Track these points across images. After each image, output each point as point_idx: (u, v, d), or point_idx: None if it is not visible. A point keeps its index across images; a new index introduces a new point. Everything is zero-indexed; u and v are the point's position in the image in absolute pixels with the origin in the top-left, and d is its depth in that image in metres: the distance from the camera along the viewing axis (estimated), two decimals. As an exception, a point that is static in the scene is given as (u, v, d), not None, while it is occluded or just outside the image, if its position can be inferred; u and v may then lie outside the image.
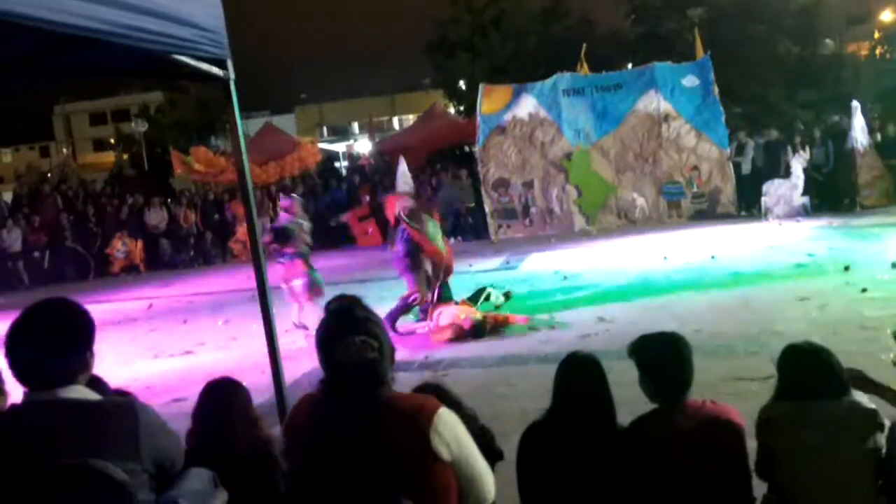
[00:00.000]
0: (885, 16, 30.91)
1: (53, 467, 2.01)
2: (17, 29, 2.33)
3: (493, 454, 3.22)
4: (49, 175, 32.64)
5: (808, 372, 3.19)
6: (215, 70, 3.28)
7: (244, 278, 15.09)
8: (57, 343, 2.27)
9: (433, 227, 9.80)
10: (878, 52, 29.54)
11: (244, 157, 3.49)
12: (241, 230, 20.03)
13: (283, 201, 10.28)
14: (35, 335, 2.26)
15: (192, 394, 3.60)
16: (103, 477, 2.00)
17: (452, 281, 10.18)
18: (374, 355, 2.37)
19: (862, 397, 3.22)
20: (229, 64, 3.34)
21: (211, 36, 3.12)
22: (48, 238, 19.93)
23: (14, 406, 2.30)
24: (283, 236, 9.61)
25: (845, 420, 3.09)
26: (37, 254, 19.68)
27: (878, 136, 17.77)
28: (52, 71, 3.67)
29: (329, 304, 2.55)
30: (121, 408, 2.25)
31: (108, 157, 49.98)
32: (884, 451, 3.05)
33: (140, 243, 20.28)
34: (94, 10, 2.47)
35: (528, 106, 18.78)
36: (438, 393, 3.08)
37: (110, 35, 2.57)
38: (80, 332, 2.34)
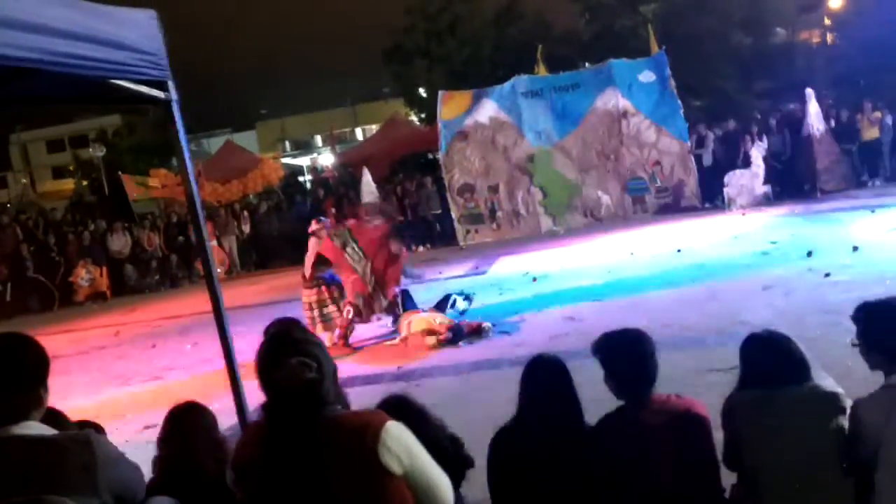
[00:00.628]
0: (834, 2, 31.36)
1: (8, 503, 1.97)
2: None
3: (462, 462, 3.21)
4: (8, 206, 32.17)
5: (769, 360, 3.22)
6: (156, 92, 3.24)
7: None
8: (7, 380, 2.22)
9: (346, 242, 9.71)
10: (829, 38, 29.97)
11: (192, 178, 3.46)
12: (208, 250, 19.86)
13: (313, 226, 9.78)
14: None
15: (162, 420, 3.56)
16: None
17: (418, 291, 10.17)
18: (313, 375, 2.32)
19: (825, 380, 3.25)
20: (171, 85, 3.30)
21: (149, 58, 3.09)
22: (9, 270, 19.62)
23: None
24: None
25: (808, 404, 3.12)
26: (-2, 286, 19.38)
27: (833, 122, 18.02)
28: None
29: (267, 328, 2.52)
30: (76, 442, 2.21)
31: (68, 184, 49.29)
32: (846, 431, 3.08)
33: (104, 270, 20.02)
34: (28, 40, 2.43)
35: (488, 110, 18.85)
36: (403, 406, 3.07)
37: (46, 64, 2.53)
38: (32, 368, 2.30)
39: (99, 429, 3.07)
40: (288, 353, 2.34)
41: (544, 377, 3.28)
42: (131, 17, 3.02)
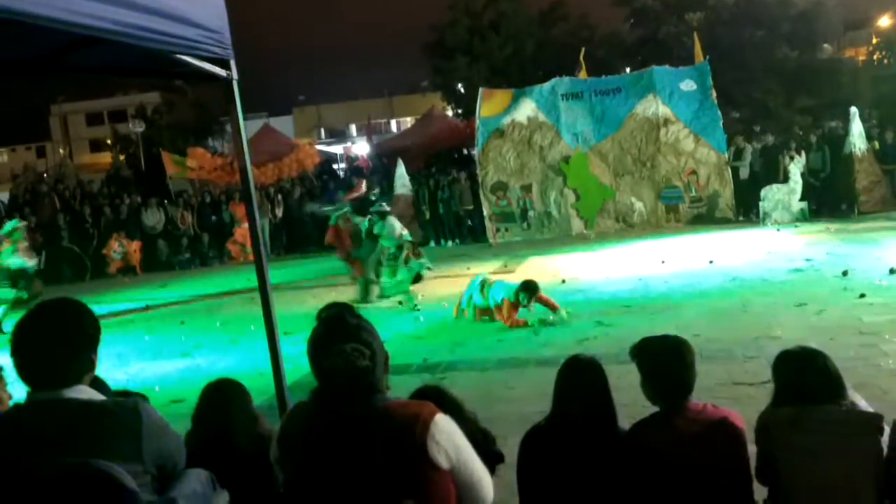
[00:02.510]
0: (883, 21, 30.97)
1: (56, 467, 2.00)
2: (28, 28, 2.33)
3: (493, 457, 3.21)
4: (45, 175, 32.59)
5: (803, 376, 3.18)
6: (218, 70, 3.28)
7: (242, 280, 15.11)
8: (63, 343, 2.26)
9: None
10: (875, 57, 29.58)
11: (247, 157, 3.49)
12: (239, 232, 20.04)
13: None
14: (41, 335, 2.25)
15: (190, 396, 3.61)
16: (107, 478, 1.98)
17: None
18: (366, 363, 2.29)
19: (859, 401, 3.22)
20: (232, 65, 3.33)
21: (215, 36, 3.12)
22: (45, 238, 19.88)
23: (18, 406, 2.29)
24: None
25: (844, 424, 3.09)
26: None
27: (877, 143, 17.76)
28: (61, 69, 3.68)
29: (320, 312, 2.51)
30: (124, 408, 2.24)
31: (105, 157, 49.84)
32: (885, 453, 3.05)
33: (137, 244, 20.24)
34: (102, 10, 2.47)
35: (526, 110, 18.82)
36: (438, 396, 3.07)
37: (117, 34, 2.57)
38: (86, 332, 2.33)
39: (143, 397, 3.12)
40: (342, 338, 2.32)
41: (582, 377, 3.27)
42: (200, -7, 3.06)
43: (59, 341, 2.24)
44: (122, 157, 40.39)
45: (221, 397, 3.50)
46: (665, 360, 3.22)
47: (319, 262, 16.85)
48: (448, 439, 2.31)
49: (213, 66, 3.24)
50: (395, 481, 2.24)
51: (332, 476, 2.28)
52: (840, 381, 3.20)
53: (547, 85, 18.97)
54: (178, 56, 2.98)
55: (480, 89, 19.99)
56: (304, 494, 2.36)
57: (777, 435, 3.16)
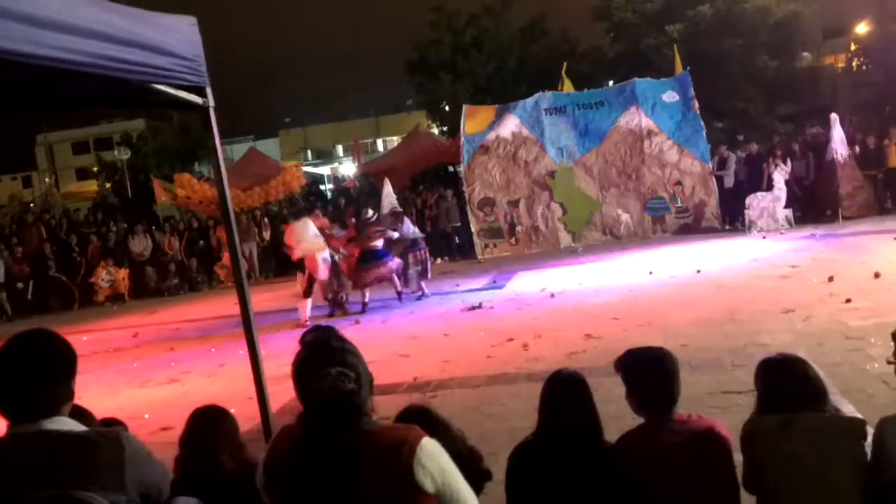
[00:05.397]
0: (861, 28, 31.26)
1: (37, 499, 1.99)
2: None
3: (480, 475, 3.22)
4: (32, 205, 32.48)
5: (785, 383, 3.20)
6: (195, 98, 3.29)
7: (230, 304, 15.04)
8: (37, 374, 2.25)
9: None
10: (854, 64, 29.85)
11: (225, 183, 3.50)
12: (226, 255, 19.98)
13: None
14: (17, 367, 2.25)
15: (179, 422, 3.58)
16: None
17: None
18: (351, 386, 2.30)
19: (845, 406, 3.24)
20: (208, 91, 3.35)
21: (190, 64, 3.14)
22: (31, 268, 19.81)
23: (-2, 440, 2.28)
24: None
25: (828, 430, 3.11)
26: (20, 284, 19.56)
27: (857, 149, 17.91)
28: (36, 102, 3.68)
29: (304, 335, 2.51)
30: (106, 439, 2.24)
31: (92, 185, 49.59)
32: (868, 458, 3.07)
33: (125, 271, 20.18)
34: (74, 43, 2.48)
35: (510, 125, 18.88)
36: (424, 417, 3.07)
37: (91, 66, 2.58)
38: (63, 362, 2.33)
39: (123, 426, 3.11)
40: (327, 362, 2.33)
41: (565, 392, 3.28)
42: (173, 23, 3.07)
43: (34, 372, 2.24)
44: (107, 185, 40.33)
45: (208, 424, 3.49)
46: (649, 372, 3.24)
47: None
48: (434, 463, 2.31)
49: (189, 94, 3.26)
50: None
51: (318, 501, 2.27)
52: (822, 387, 3.22)
53: (530, 100, 19.05)
54: (154, 86, 3.00)
55: (464, 106, 20.07)
56: None
57: (763, 442, 3.17)
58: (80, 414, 2.76)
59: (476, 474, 3.17)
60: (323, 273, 12.49)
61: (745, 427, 3.27)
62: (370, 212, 14.19)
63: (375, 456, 2.25)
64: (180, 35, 3.09)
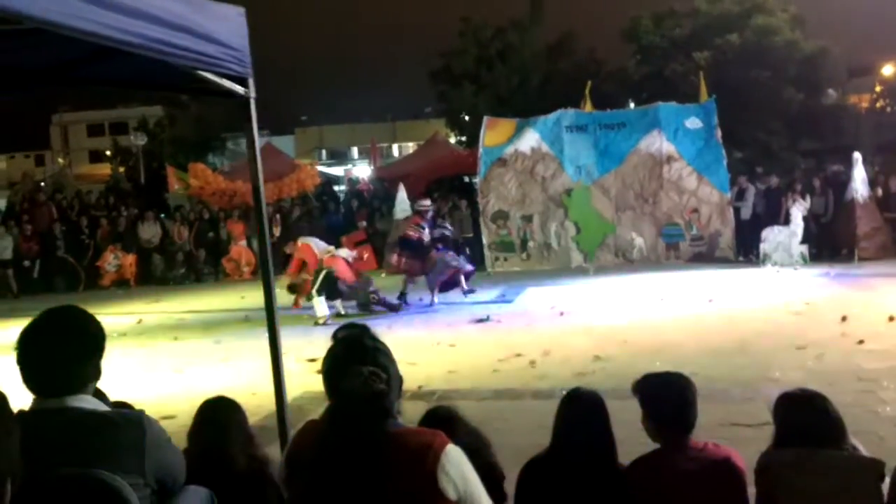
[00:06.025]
0: (887, 70, 31.24)
1: (57, 475, 1.97)
2: (55, 38, 2.35)
3: (494, 496, 3.17)
4: (43, 184, 32.57)
5: (804, 419, 3.18)
6: (237, 88, 3.31)
7: (236, 298, 15.08)
8: (67, 350, 2.25)
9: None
10: (878, 104, 29.80)
11: (260, 175, 3.51)
12: (234, 249, 20.03)
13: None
14: (45, 342, 2.24)
15: (181, 412, 3.57)
16: (108, 488, 1.96)
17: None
18: (383, 387, 2.28)
19: (860, 445, 3.21)
20: (251, 83, 3.37)
21: (235, 54, 3.16)
22: (40, 247, 19.82)
23: (22, 413, 2.26)
24: None
25: (846, 468, 3.08)
26: (27, 263, 19.58)
27: (879, 190, 17.82)
28: (83, 80, 3.72)
29: (337, 332, 2.49)
30: (129, 420, 2.23)
31: (104, 168, 49.78)
32: (884, 500, 3.03)
33: (132, 257, 20.17)
34: (129, 24, 2.51)
35: (530, 140, 18.82)
36: (450, 419, 3.04)
37: (143, 48, 2.60)
38: (92, 341, 2.32)
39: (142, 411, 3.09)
40: (359, 360, 2.32)
41: (583, 411, 3.26)
42: (222, 11, 3.09)
43: (64, 348, 2.23)
44: (121, 169, 40.43)
45: (218, 415, 3.48)
46: (667, 397, 3.22)
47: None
48: (457, 470, 2.30)
49: (233, 84, 3.27)
50: None
51: (340, 499, 2.26)
52: (841, 425, 3.20)
53: (551, 116, 18.98)
54: (200, 72, 3.01)
55: (485, 118, 20.02)
56: None
57: (779, 477, 3.15)
58: (99, 395, 2.74)
59: (489, 491, 3.14)
60: (347, 274, 12.78)
61: (761, 460, 3.24)
62: (427, 202, 15.14)
63: (401, 459, 2.25)
64: (228, 24, 3.11)
